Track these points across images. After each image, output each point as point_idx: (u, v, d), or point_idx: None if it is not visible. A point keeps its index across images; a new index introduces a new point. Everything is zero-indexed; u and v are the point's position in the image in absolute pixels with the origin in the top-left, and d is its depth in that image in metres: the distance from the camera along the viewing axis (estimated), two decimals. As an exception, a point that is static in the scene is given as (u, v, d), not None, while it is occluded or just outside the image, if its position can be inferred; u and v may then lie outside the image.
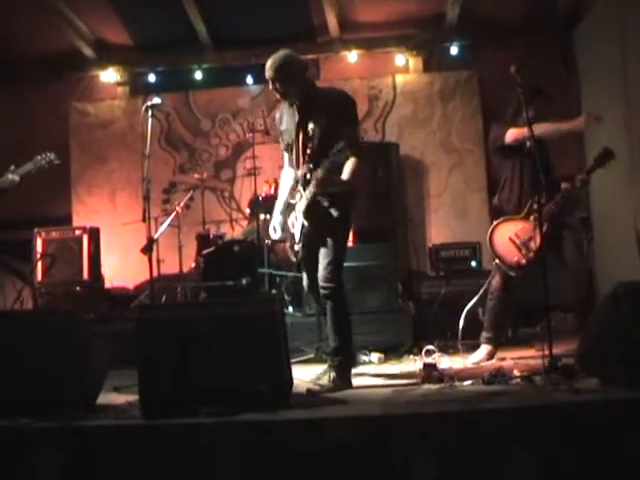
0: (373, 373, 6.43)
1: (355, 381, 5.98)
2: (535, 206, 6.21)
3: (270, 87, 6.11)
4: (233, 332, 4.85)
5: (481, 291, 6.88)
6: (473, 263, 8.73)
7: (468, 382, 5.33)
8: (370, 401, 5.09)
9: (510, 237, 6.53)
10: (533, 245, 6.42)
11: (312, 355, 7.17)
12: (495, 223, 6.71)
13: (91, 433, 4.59)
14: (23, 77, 12.02)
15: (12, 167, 6.84)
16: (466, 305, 6.95)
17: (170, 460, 4.37)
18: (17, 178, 6.77)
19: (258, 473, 4.26)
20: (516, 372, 5.43)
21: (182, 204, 9.83)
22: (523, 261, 6.43)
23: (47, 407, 4.75)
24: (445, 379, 5.46)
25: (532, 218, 6.43)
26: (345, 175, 5.63)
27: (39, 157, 6.97)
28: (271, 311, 5.05)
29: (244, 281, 8.40)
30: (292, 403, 4.88)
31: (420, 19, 11.15)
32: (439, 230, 10.95)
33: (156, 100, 6.49)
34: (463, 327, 6.76)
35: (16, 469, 4.47)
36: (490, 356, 6.59)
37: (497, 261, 6.61)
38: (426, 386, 5.33)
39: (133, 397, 5.20)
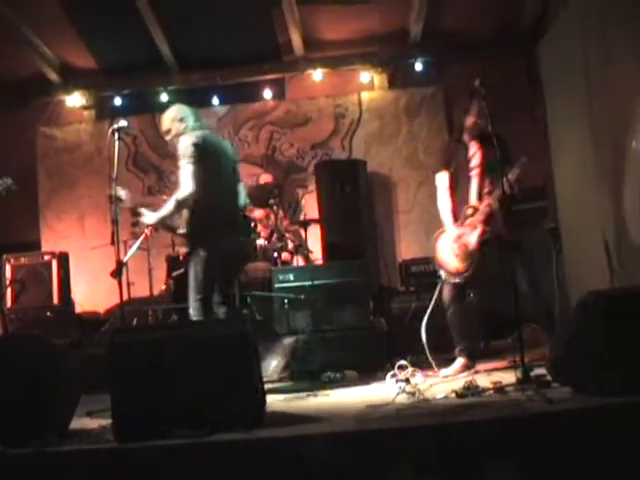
0: (347, 390, 6.41)
1: (328, 398, 6.01)
2: (469, 211, 6.36)
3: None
4: (204, 353, 4.83)
5: (432, 304, 6.90)
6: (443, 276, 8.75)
7: (441, 395, 5.34)
8: (344, 417, 5.09)
9: (449, 246, 6.62)
10: (470, 249, 6.52)
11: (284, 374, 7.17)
12: (435, 235, 6.81)
13: (65, 458, 4.55)
14: (-11, 102, 11.98)
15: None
16: (436, 319, 6.98)
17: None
18: None
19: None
20: (489, 384, 5.45)
21: (151, 227, 9.81)
22: (461, 267, 6.52)
23: (20, 433, 4.70)
24: (417, 393, 5.47)
25: (467, 223, 6.53)
26: None
27: None
28: (242, 331, 5.05)
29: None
30: (266, 422, 4.88)
31: (384, 36, 11.20)
32: (409, 245, 10.98)
33: (122, 123, 6.48)
34: (437, 341, 6.77)
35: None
36: (465, 368, 6.59)
37: (441, 272, 6.70)
38: (399, 401, 5.32)
39: (106, 421, 5.16)
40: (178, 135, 6.69)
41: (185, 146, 6.50)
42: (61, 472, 4.48)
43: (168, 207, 6.49)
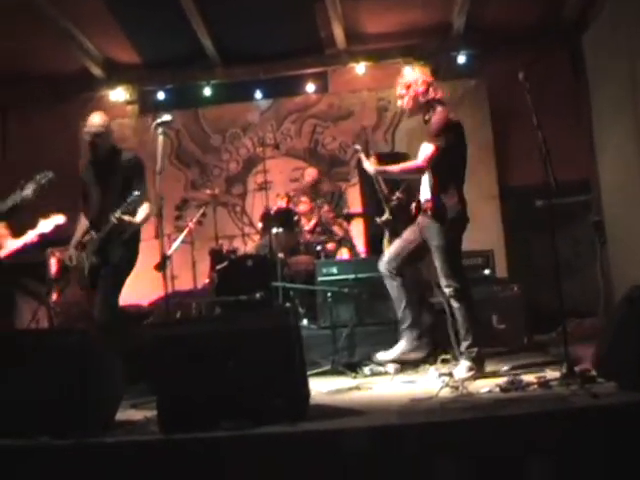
0: (390, 383, 6.41)
1: (371, 392, 6.02)
2: None
3: None
4: (249, 346, 4.85)
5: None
6: (486, 271, 8.69)
7: (485, 390, 5.32)
8: (387, 411, 5.08)
9: None
10: None
11: (328, 367, 7.16)
12: None
13: (110, 449, 4.59)
14: (33, 98, 12.11)
15: (19, 186, 6.86)
16: (480, 313, 6.95)
17: (189, 474, 4.37)
18: (19, 198, 6.79)
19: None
20: (533, 379, 5.41)
21: (194, 220, 9.85)
22: None
23: (66, 425, 4.75)
24: (461, 387, 5.45)
25: None
26: None
27: (38, 176, 6.99)
28: (286, 324, 5.06)
29: (258, 295, 8.40)
30: (309, 415, 4.89)
31: (427, 29, 11.19)
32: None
33: (166, 117, 6.51)
34: (478, 335, 6.71)
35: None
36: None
37: None
38: (442, 395, 5.31)
39: (151, 413, 5.21)
40: None
41: None
42: (105, 463, 4.52)
43: None
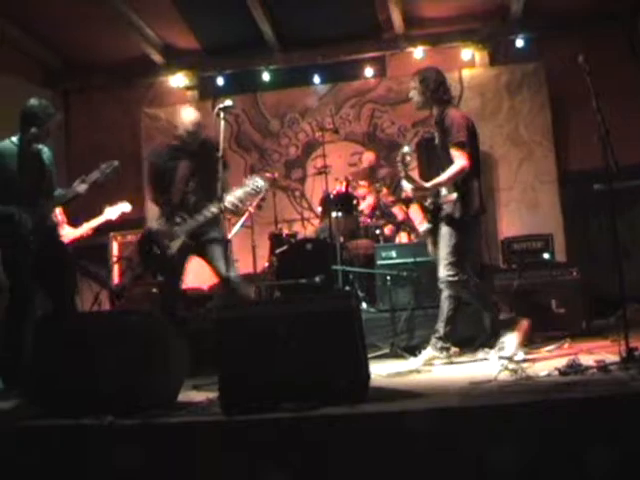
0: (449, 366, 6.45)
1: (431, 375, 6.07)
2: None
3: None
4: (311, 328, 4.90)
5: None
6: (546, 255, 8.68)
7: (544, 373, 5.33)
8: (447, 393, 5.12)
9: None
10: None
11: (387, 350, 7.22)
12: None
13: (173, 430, 4.68)
14: (96, 85, 12.33)
15: (82, 177, 6.98)
16: (539, 297, 6.97)
17: (251, 455, 4.43)
18: (85, 187, 6.90)
19: (339, 466, 4.32)
20: (592, 362, 5.41)
21: (254, 205, 9.93)
22: None
23: (129, 405, 4.86)
24: (520, 370, 5.47)
25: None
26: None
27: (104, 165, 7.09)
28: (348, 307, 5.10)
29: (318, 279, 8.45)
30: (370, 397, 4.93)
31: (485, 13, 11.18)
32: (510, 223, 10.92)
33: (228, 102, 6.57)
34: (537, 320, 6.73)
35: (100, 466, 4.59)
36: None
37: None
38: (502, 378, 5.33)
39: (213, 394, 5.28)
40: None
41: None
42: (169, 443, 4.61)
43: None
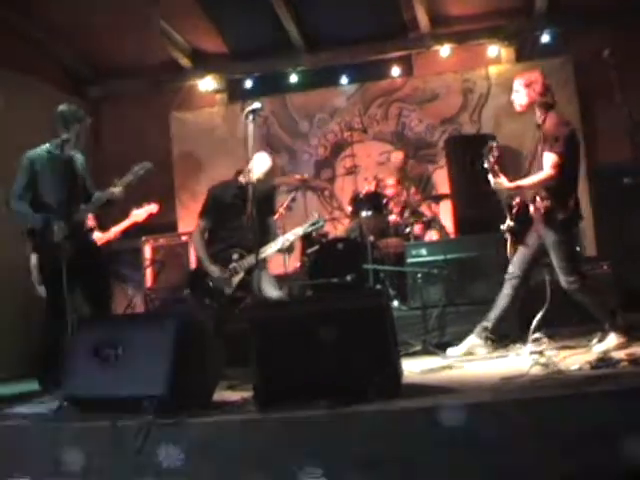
0: (481, 362, 6.49)
1: (463, 370, 6.11)
2: None
3: None
4: (344, 326, 4.94)
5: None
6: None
7: (575, 367, 5.35)
8: (479, 389, 5.16)
9: None
10: None
11: (419, 347, 7.26)
12: None
13: (210, 428, 4.76)
14: (125, 91, 12.43)
15: (115, 180, 7.05)
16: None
17: (288, 452, 4.50)
18: (120, 190, 6.96)
19: (375, 461, 4.36)
20: (623, 356, 5.43)
21: (285, 205, 9.99)
22: None
23: (167, 405, 4.93)
24: (551, 365, 5.49)
25: None
26: None
27: (136, 167, 7.15)
28: (380, 304, 5.16)
29: (349, 278, 8.50)
30: (403, 393, 4.97)
31: (510, 9, 11.20)
32: (540, 218, 10.91)
33: (256, 105, 6.60)
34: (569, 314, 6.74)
35: (142, 463, 4.68)
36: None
37: None
38: (533, 373, 5.36)
39: (247, 394, 5.34)
40: None
41: None
42: (206, 440, 4.68)
43: None
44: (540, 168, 6.46)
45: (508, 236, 6.89)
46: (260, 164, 7.17)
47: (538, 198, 6.52)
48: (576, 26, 11.05)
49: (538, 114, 6.67)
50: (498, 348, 6.88)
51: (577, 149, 6.62)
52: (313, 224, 7.11)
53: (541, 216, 6.49)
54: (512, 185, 6.54)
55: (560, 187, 6.42)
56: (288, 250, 7.36)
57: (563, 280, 6.47)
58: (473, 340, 6.79)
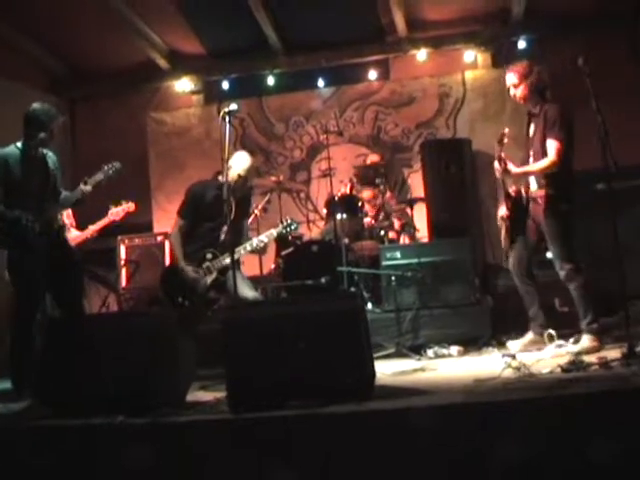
0: (454, 365, 6.52)
1: (435, 373, 6.14)
2: None
3: None
4: (317, 327, 4.98)
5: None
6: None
7: (546, 370, 5.40)
8: (452, 390, 5.20)
9: None
10: None
11: (392, 350, 7.30)
12: None
13: (183, 428, 4.77)
14: (102, 91, 12.41)
15: (85, 179, 7.06)
16: (543, 296, 7.06)
17: (259, 452, 4.51)
18: (89, 188, 6.98)
19: (345, 462, 4.39)
20: (594, 359, 5.49)
21: (260, 207, 10.01)
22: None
23: (139, 404, 4.96)
24: (523, 368, 5.53)
25: None
26: None
27: (106, 167, 7.18)
28: (354, 306, 5.19)
29: (323, 280, 8.52)
30: (375, 395, 5.01)
31: (487, 15, 11.24)
32: (514, 223, 10.96)
33: (233, 106, 6.61)
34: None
35: (111, 464, 4.67)
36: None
37: None
38: (505, 375, 5.40)
39: (221, 394, 5.40)
40: None
41: None
42: (179, 441, 4.70)
43: None
44: (536, 155, 6.55)
45: (503, 225, 6.95)
46: (240, 161, 7.17)
47: (537, 187, 6.60)
48: (552, 33, 11.12)
49: (534, 102, 6.75)
50: (470, 352, 6.96)
51: (573, 137, 6.76)
52: (286, 226, 7.13)
53: (543, 206, 6.57)
54: (519, 171, 6.62)
55: (563, 175, 6.58)
56: (261, 251, 7.39)
57: (559, 267, 6.65)
58: (531, 336, 6.87)
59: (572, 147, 6.69)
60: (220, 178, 7.16)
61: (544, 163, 6.54)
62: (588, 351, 6.22)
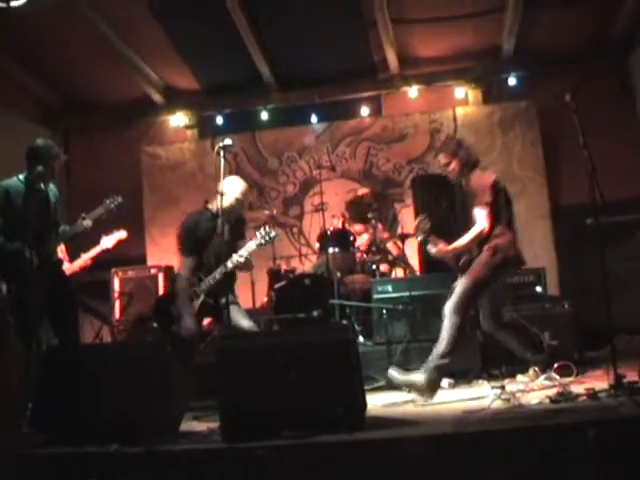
0: (443, 397, 6.57)
1: (426, 405, 6.21)
2: None
3: None
4: (309, 358, 5.06)
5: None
6: (538, 288, 8.82)
7: (535, 401, 5.48)
8: (441, 421, 5.27)
9: None
10: None
11: (383, 382, 7.35)
12: None
13: (176, 457, 4.83)
14: (97, 124, 12.54)
15: (83, 214, 7.14)
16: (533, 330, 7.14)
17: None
18: (89, 223, 7.07)
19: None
20: (582, 391, 5.56)
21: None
22: None
23: (133, 434, 5.02)
24: (512, 399, 5.61)
25: None
26: None
27: (108, 201, 7.28)
28: (345, 337, 5.28)
29: (315, 313, 8.57)
30: (366, 425, 5.08)
31: (477, 52, 11.38)
32: (505, 257, 11.04)
33: (227, 141, 6.70)
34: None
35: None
36: None
37: None
38: (495, 407, 5.48)
39: (213, 424, 5.45)
40: None
41: None
42: (171, 469, 4.76)
43: None
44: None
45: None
46: (235, 186, 7.23)
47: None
48: (542, 69, 11.28)
49: (464, 179, 6.92)
50: (460, 384, 7.02)
51: (506, 199, 6.96)
52: (265, 236, 7.14)
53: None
54: (451, 248, 6.78)
55: (496, 234, 6.69)
56: (245, 267, 7.29)
57: (449, 308, 6.64)
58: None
59: (501, 212, 6.79)
60: (210, 206, 7.26)
61: (472, 233, 6.65)
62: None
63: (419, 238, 6.86)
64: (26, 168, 6.90)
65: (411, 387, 6.32)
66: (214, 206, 7.06)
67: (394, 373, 6.47)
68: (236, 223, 7.28)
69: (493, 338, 7.13)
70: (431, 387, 6.29)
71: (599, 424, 4.47)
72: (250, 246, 7.04)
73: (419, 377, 6.32)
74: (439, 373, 6.39)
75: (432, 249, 6.80)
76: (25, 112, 11.51)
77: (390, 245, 10.09)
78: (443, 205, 10.09)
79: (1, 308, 6.73)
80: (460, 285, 6.58)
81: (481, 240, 6.65)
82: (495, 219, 6.63)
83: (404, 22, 10.67)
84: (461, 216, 10.08)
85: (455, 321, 6.46)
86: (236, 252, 6.96)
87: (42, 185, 6.89)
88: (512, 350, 7.01)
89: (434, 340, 7.32)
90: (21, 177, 6.89)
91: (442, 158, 7.00)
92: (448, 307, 6.55)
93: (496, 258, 6.57)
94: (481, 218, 6.59)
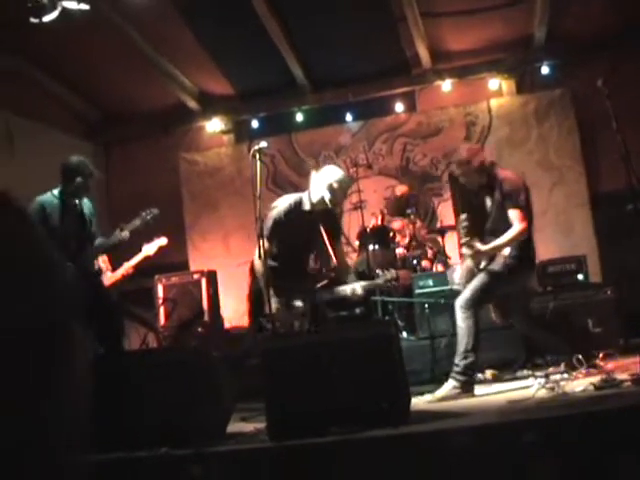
0: (488, 388, 6.62)
1: (470, 397, 6.24)
2: None
3: None
4: (353, 355, 5.11)
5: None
6: (580, 276, 8.80)
7: (579, 389, 5.48)
8: (486, 412, 5.30)
9: None
10: None
11: (427, 376, 7.38)
12: None
13: (225, 457, 4.91)
14: (134, 134, 12.68)
15: (121, 225, 7.23)
16: (575, 318, 7.12)
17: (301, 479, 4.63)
18: (127, 234, 7.16)
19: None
20: (626, 376, 5.55)
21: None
22: None
23: (182, 436, 5.08)
24: (556, 388, 5.62)
25: None
26: None
27: (144, 213, 7.36)
28: (388, 333, 5.32)
29: (357, 310, 8.61)
30: (411, 419, 5.11)
31: (509, 42, 11.34)
32: (546, 247, 10.93)
33: (263, 144, 6.75)
34: (576, 341, 6.87)
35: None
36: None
37: None
38: (539, 396, 5.49)
39: (260, 424, 5.51)
40: None
41: None
42: (220, 470, 4.83)
43: None
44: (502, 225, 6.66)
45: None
46: (332, 173, 6.89)
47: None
48: (574, 57, 11.20)
49: (482, 179, 6.90)
50: (504, 375, 7.04)
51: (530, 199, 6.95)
52: (388, 280, 7.15)
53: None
54: (488, 248, 6.64)
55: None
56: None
57: (460, 302, 6.61)
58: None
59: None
60: (304, 198, 6.94)
61: (512, 234, 6.60)
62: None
63: (462, 241, 6.81)
64: (60, 183, 7.02)
65: (449, 399, 6.27)
66: (307, 200, 6.90)
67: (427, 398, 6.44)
68: (330, 219, 7.05)
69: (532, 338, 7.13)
70: (466, 389, 6.29)
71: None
72: (373, 283, 7.22)
73: (450, 385, 6.34)
74: (470, 372, 6.39)
75: (468, 252, 6.68)
76: (66, 128, 11.68)
77: (430, 242, 10.12)
78: (481, 198, 10.10)
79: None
80: (477, 279, 6.56)
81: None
82: (528, 220, 6.60)
83: (434, 16, 10.66)
84: (500, 206, 10.11)
85: (468, 315, 6.45)
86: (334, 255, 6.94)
87: (76, 200, 7.01)
88: (553, 346, 6.99)
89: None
90: (55, 192, 7.01)
91: (456, 167, 7.03)
92: (460, 301, 6.54)
93: (515, 258, 6.56)
94: (517, 219, 6.54)
